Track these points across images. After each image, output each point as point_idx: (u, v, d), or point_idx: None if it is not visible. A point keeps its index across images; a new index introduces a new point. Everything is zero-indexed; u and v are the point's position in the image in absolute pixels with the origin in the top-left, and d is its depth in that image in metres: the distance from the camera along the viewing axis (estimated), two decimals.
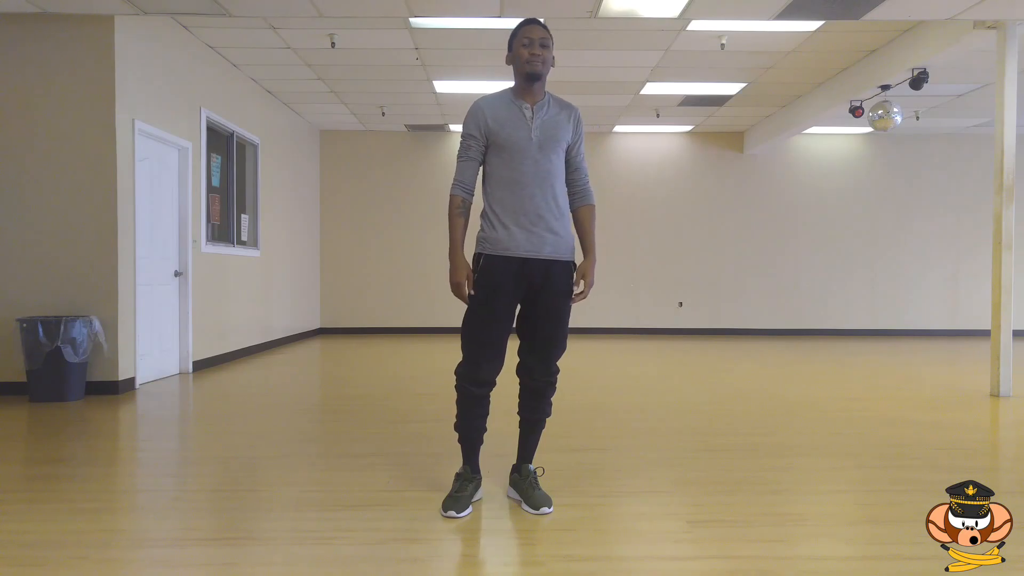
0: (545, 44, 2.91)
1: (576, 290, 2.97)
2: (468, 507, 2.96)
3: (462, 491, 2.98)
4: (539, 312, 2.94)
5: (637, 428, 4.68)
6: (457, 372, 2.99)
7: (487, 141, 2.93)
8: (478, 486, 3.07)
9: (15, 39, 5.74)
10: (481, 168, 3.00)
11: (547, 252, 2.90)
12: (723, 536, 2.73)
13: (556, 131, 2.93)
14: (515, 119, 2.90)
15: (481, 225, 2.96)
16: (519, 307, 2.98)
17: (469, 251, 2.93)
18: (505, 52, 3.10)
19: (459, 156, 2.97)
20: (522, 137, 2.89)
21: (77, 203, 5.76)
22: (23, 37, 5.73)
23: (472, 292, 2.90)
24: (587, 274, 2.95)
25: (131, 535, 2.79)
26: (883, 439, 4.35)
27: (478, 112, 2.94)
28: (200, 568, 2.46)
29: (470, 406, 3.00)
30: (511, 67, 3.00)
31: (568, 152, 3.01)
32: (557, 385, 3.06)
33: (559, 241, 2.93)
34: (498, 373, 2.98)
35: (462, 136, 2.97)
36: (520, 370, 3.02)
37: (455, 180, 2.96)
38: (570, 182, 3.04)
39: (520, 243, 2.88)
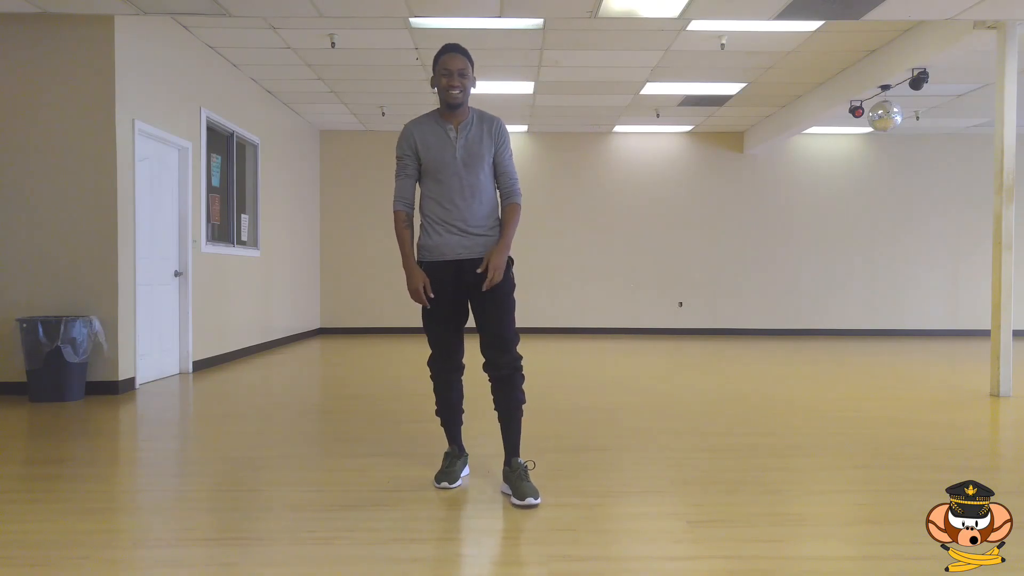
0: (464, 74, 3.12)
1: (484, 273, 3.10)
2: (459, 479, 3.30)
3: (452, 467, 3.32)
4: (487, 305, 3.13)
5: (637, 428, 4.68)
6: (428, 363, 3.32)
7: (419, 160, 3.16)
8: (465, 462, 3.40)
9: (15, 39, 5.74)
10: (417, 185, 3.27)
11: (480, 252, 3.15)
12: (723, 536, 2.73)
13: (480, 147, 3.16)
14: (441, 141, 3.14)
15: (419, 235, 3.21)
16: (470, 306, 3.19)
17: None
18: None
19: (396, 175, 3.24)
20: (448, 157, 3.14)
21: (77, 203, 5.76)
22: (23, 37, 5.74)
23: (431, 295, 3.13)
24: (492, 256, 3.09)
25: (131, 535, 2.79)
26: (883, 439, 4.35)
27: (408, 135, 3.20)
28: (200, 568, 2.46)
29: (445, 390, 3.32)
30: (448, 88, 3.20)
31: (494, 159, 3.22)
32: (524, 372, 3.19)
33: (491, 241, 3.17)
34: (461, 358, 3.30)
35: (397, 157, 3.24)
36: (486, 367, 3.17)
37: (396, 197, 3.23)
38: (498, 185, 3.28)
39: (454, 247, 3.14)
